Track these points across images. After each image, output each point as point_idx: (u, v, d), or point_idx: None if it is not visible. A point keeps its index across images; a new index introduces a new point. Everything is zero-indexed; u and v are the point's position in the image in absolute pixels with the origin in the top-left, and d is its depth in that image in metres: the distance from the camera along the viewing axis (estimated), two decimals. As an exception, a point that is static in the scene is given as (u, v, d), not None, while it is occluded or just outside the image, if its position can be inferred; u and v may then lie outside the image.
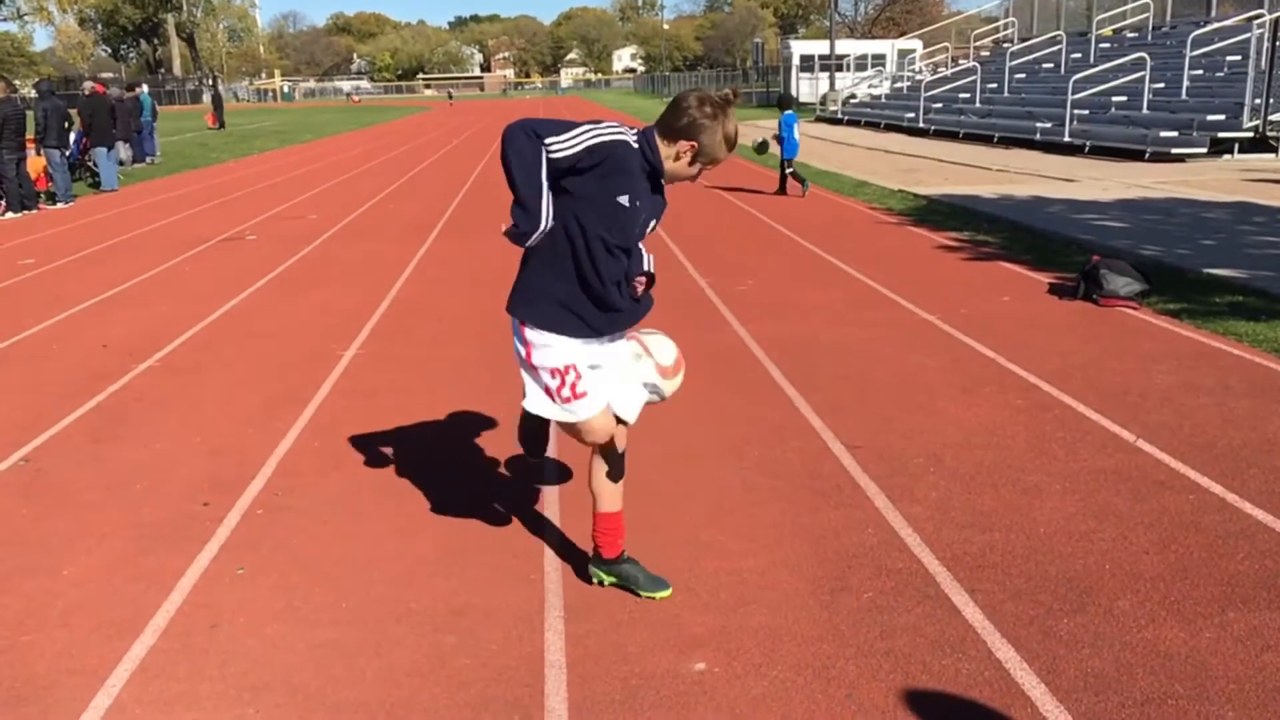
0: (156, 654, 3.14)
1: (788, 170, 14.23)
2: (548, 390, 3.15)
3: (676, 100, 3.08)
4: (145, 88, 22.43)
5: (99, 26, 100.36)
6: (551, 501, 4.20)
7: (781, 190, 14.37)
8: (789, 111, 14.11)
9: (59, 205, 15.33)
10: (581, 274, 3.06)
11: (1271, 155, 16.67)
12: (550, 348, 3.11)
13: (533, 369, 3.17)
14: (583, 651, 3.10)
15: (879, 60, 43.05)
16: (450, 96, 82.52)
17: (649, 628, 3.22)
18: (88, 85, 18.79)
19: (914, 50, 38.84)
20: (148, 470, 4.67)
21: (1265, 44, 16.97)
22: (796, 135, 13.97)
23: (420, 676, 3.00)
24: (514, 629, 3.24)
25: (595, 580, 3.48)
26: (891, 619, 3.23)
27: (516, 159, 2.93)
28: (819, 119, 34.74)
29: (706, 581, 3.50)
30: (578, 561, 3.65)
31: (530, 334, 3.13)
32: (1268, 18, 17.88)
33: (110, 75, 23.29)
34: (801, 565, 3.60)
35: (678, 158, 3.04)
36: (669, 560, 3.63)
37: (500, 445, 4.84)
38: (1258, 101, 16.73)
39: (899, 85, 34.06)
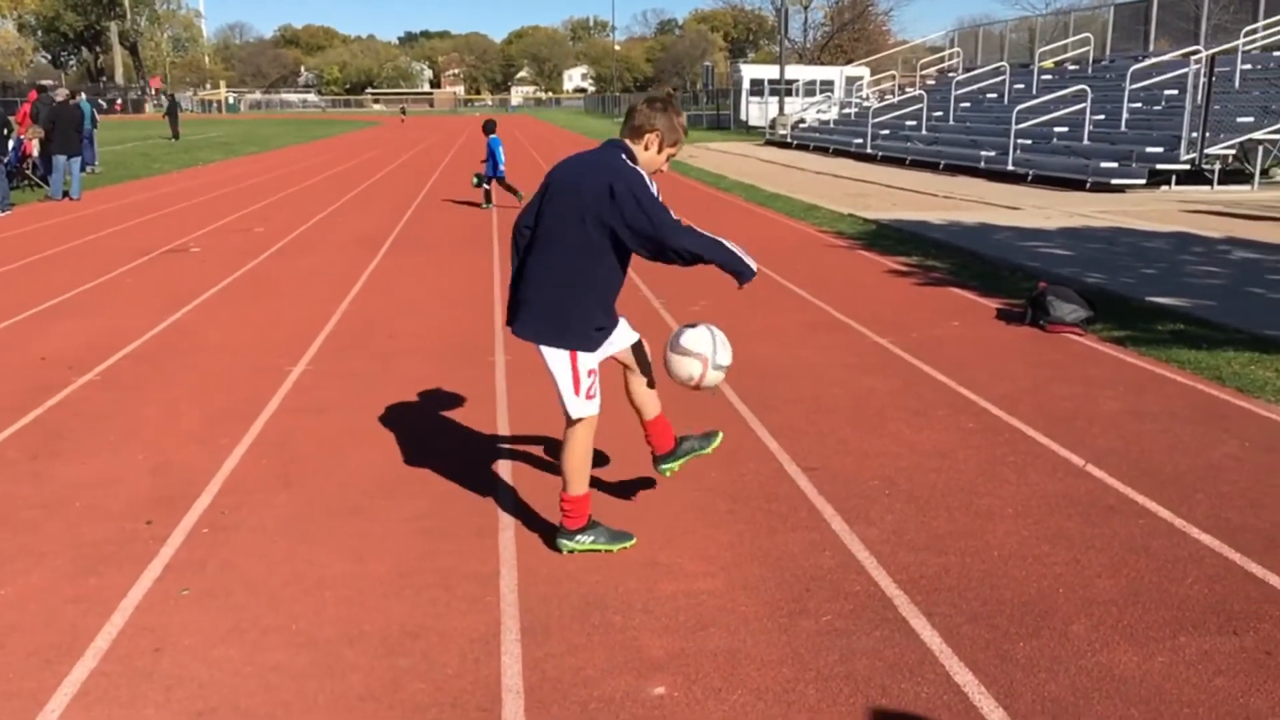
0: (97, 678, 3.04)
1: (485, 185, 15.75)
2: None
3: (631, 109, 3.73)
4: (83, 95, 21.95)
5: (39, 33, 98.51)
6: (508, 524, 4.15)
7: (488, 203, 15.83)
8: (494, 136, 15.67)
9: (-5, 213, 14.94)
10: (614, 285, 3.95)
11: (1207, 188, 17.12)
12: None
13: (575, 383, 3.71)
14: (540, 676, 3.05)
15: (828, 86, 43.65)
16: (404, 112, 79.73)
17: (607, 650, 3.18)
18: (61, 92, 18.38)
19: (861, 77, 39.46)
20: (88, 488, 4.54)
21: (1201, 79, 17.45)
22: (501, 154, 15.61)
23: (374, 701, 2.93)
24: (470, 652, 3.18)
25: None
26: (850, 642, 3.22)
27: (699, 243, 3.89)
28: (769, 142, 35.08)
29: (665, 604, 3.47)
30: (535, 584, 3.61)
31: (583, 359, 3.76)
32: (1204, 54, 18.43)
33: (50, 83, 22.64)
34: (760, 587, 3.58)
35: (646, 147, 3.70)
36: (626, 582, 3.61)
37: (454, 464, 4.78)
38: (1194, 135, 17.19)
39: (847, 111, 34.50)
